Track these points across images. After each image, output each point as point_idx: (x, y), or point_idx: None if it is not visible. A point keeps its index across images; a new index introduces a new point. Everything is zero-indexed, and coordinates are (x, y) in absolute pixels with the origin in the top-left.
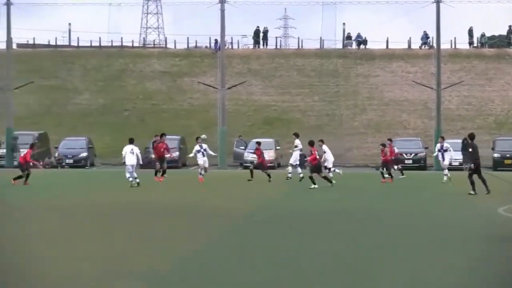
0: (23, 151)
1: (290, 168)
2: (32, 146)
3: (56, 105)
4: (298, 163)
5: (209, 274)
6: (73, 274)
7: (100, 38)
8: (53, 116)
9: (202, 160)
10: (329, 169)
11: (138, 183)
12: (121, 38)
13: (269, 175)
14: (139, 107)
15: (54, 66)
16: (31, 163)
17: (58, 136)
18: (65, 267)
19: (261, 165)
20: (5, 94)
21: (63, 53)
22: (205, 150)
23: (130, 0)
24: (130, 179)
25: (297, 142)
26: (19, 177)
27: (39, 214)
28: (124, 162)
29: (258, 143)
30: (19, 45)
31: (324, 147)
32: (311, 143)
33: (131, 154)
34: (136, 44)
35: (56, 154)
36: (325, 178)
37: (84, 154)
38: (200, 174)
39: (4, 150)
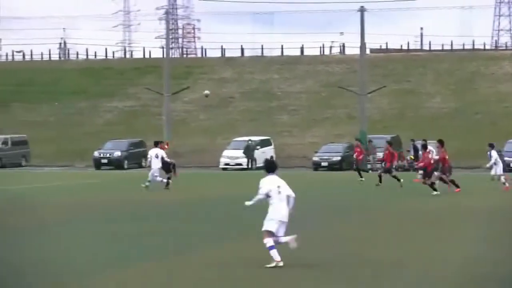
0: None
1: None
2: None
3: (408, 108)
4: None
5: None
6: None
7: (451, 41)
8: (405, 120)
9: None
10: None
11: (147, 186)
12: (473, 41)
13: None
14: (491, 110)
15: (406, 70)
16: (169, 162)
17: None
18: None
19: (388, 169)
20: (360, 98)
21: (415, 57)
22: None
23: (482, 2)
24: (147, 183)
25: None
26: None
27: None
28: (150, 166)
29: (389, 143)
30: (372, 50)
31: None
32: (425, 147)
33: (156, 158)
34: (487, 47)
35: (408, 158)
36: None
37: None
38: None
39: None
